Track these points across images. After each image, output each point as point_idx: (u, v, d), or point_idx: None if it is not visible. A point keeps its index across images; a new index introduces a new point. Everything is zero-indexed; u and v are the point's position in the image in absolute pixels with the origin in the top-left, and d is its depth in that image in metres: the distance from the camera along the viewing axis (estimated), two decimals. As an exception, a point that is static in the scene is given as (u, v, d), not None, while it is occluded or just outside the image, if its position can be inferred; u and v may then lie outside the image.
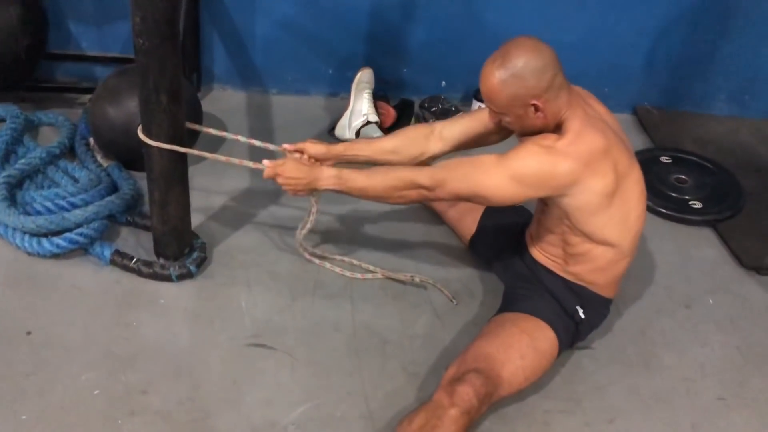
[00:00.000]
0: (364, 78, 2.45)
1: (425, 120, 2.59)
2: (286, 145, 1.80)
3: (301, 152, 1.78)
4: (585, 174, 1.54)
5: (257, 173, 1.74)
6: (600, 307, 1.79)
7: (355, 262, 1.97)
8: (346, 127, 2.44)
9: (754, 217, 2.40)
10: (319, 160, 1.79)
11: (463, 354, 1.62)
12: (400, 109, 2.60)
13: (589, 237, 1.65)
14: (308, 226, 1.85)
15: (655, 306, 2.01)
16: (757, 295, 2.12)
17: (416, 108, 2.66)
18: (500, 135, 1.80)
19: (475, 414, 1.52)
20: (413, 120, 2.58)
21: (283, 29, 2.53)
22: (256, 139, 1.85)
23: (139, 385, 1.59)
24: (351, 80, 2.55)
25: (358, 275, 1.94)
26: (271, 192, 2.13)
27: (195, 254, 1.86)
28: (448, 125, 1.84)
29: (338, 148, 1.82)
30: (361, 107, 2.42)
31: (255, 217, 2.10)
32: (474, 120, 1.81)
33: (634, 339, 1.90)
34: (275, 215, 2.10)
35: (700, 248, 2.28)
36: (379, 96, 2.54)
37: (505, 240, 1.95)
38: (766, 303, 2.10)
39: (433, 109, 2.62)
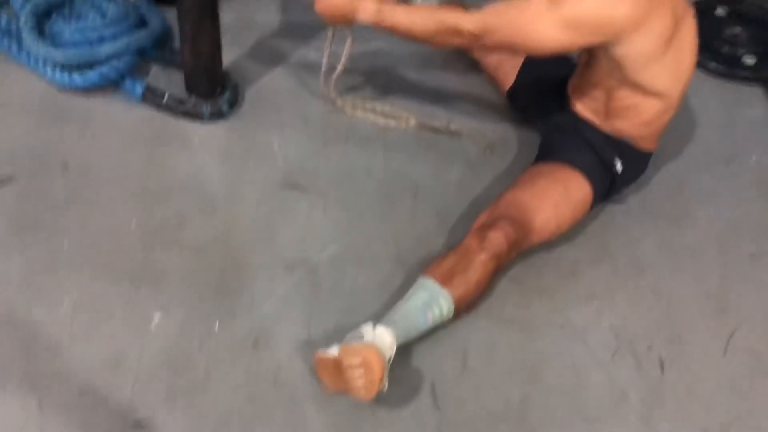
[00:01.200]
0: None
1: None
2: None
3: None
4: (645, 17, 1.44)
5: (289, 7, 1.66)
6: (639, 161, 1.75)
7: (388, 109, 1.92)
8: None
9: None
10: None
11: (495, 201, 1.61)
12: None
13: (640, 88, 1.57)
14: (340, 68, 1.79)
15: (694, 162, 1.96)
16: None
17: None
18: None
19: (504, 259, 1.53)
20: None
21: None
22: None
23: (174, 219, 1.62)
24: None
25: (392, 122, 1.90)
26: (305, 29, 2.05)
27: (227, 94, 1.83)
28: None
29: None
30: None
31: (288, 58, 2.04)
32: None
33: (670, 194, 1.87)
34: (309, 56, 2.03)
35: (749, 107, 2.18)
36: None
37: (545, 91, 1.87)
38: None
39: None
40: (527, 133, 1.94)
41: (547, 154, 1.73)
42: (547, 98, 1.86)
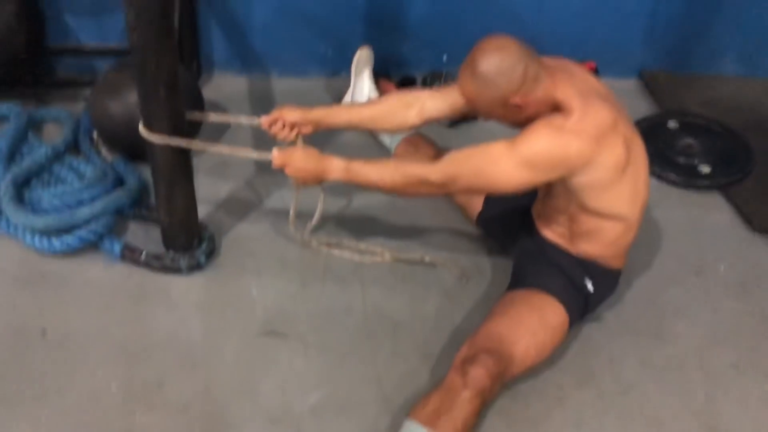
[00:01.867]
0: (363, 57, 2.43)
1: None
2: (263, 118, 1.79)
3: (276, 120, 1.77)
4: (598, 150, 1.52)
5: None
6: (610, 279, 1.79)
7: (363, 246, 1.97)
8: (349, 108, 2.42)
9: (763, 180, 2.37)
10: (296, 126, 1.78)
11: (474, 334, 1.63)
12: (402, 86, 2.57)
13: (599, 213, 1.64)
14: (314, 222, 1.86)
15: (664, 274, 2.00)
16: (766, 258, 2.11)
17: (419, 83, 2.64)
18: None
19: (489, 394, 1.53)
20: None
21: (281, 12, 2.51)
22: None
23: (155, 378, 1.62)
24: (351, 60, 2.54)
25: (367, 258, 1.94)
26: (276, 178, 2.13)
27: (204, 245, 1.87)
28: (435, 98, 1.81)
29: (316, 113, 1.81)
30: (362, 86, 2.40)
31: (261, 204, 2.11)
32: (460, 96, 1.72)
33: (645, 308, 1.90)
34: (281, 201, 2.10)
35: (710, 214, 2.26)
36: (380, 73, 2.52)
37: (512, 217, 1.94)
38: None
39: (435, 84, 2.59)
40: (500, 259, 1.99)
41: (519, 281, 1.77)
42: (515, 224, 1.92)
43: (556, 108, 1.56)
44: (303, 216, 1.91)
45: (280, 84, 2.64)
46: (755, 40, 2.87)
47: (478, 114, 1.68)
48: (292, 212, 1.85)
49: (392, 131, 1.88)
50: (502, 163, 1.55)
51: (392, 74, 2.64)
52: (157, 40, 1.47)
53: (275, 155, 1.69)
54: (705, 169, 2.37)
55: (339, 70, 2.67)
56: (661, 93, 2.79)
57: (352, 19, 2.56)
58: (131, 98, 1.97)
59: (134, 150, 2.07)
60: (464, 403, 1.48)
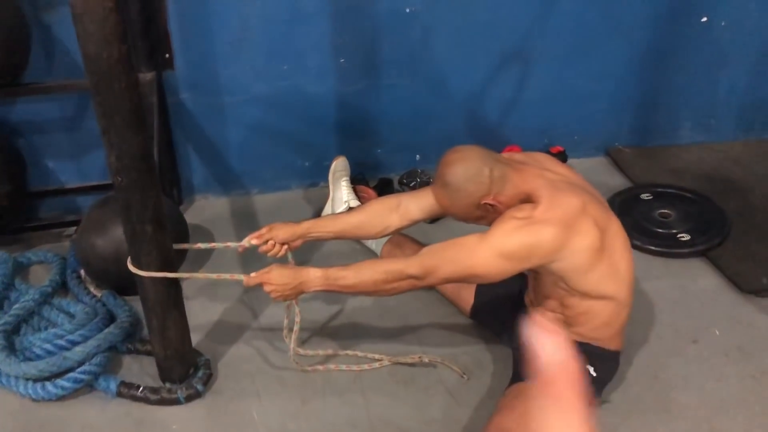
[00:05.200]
0: (338, 167, 2.50)
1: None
2: (253, 240, 1.82)
3: (267, 239, 1.80)
4: (569, 235, 1.57)
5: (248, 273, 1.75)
6: (609, 362, 1.79)
7: (360, 354, 1.97)
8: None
9: (742, 240, 2.43)
10: (287, 243, 1.82)
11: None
12: (380, 188, 2.64)
13: (587, 295, 1.67)
14: (295, 332, 1.84)
15: (663, 347, 2.01)
16: (761, 319, 2.13)
17: (395, 185, 2.70)
18: None
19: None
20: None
21: (255, 131, 2.59)
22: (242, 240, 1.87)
23: None
24: (328, 169, 2.61)
25: (365, 366, 1.93)
26: (265, 296, 2.13)
27: (200, 372, 1.85)
28: (415, 199, 1.86)
29: (303, 227, 1.84)
30: (341, 195, 2.46)
31: (253, 324, 2.10)
32: None
33: (649, 384, 1.89)
34: (273, 319, 2.09)
35: (696, 280, 2.30)
36: (357, 179, 2.59)
37: (505, 307, 1.96)
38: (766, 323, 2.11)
39: (412, 183, 2.66)
40: (499, 350, 1.99)
41: (521, 373, 1.76)
42: (508, 312, 1.94)
43: (526, 200, 1.63)
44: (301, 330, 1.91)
45: (260, 201, 2.69)
46: (706, 108, 3.02)
47: (456, 219, 1.73)
48: (295, 333, 1.86)
49: (378, 236, 1.91)
50: (479, 253, 1.59)
51: (369, 178, 2.72)
52: (140, 180, 1.51)
53: (250, 279, 1.70)
54: (684, 236, 2.42)
55: (317, 181, 2.75)
56: (630, 167, 2.89)
57: (326, 131, 2.65)
58: (117, 233, 2.01)
59: (123, 284, 2.09)
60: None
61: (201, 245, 1.84)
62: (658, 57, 2.80)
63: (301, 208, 2.65)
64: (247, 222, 2.56)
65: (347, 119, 2.64)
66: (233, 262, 2.28)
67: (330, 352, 1.97)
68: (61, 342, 1.86)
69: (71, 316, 2.01)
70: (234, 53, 2.43)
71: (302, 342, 1.98)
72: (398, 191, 2.67)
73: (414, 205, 1.86)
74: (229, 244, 1.85)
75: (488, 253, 1.59)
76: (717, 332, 2.08)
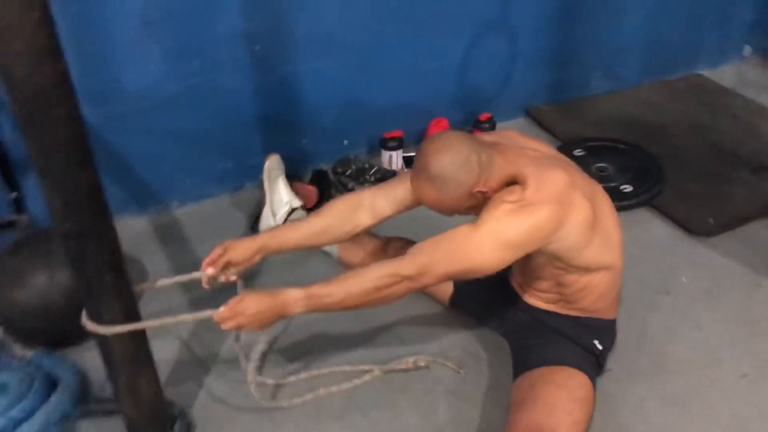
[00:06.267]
0: (273, 165, 2.29)
1: (344, 186, 2.47)
2: (208, 270, 1.58)
3: (223, 263, 1.58)
4: (564, 213, 1.48)
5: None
6: (610, 331, 1.76)
7: (348, 368, 1.81)
8: (269, 220, 2.26)
9: (678, 183, 2.48)
10: (245, 262, 1.61)
11: (511, 430, 1.52)
12: (317, 182, 2.45)
13: (585, 270, 1.60)
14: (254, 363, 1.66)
15: (639, 303, 2.00)
16: (718, 260, 2.19)
17: (330, 175, 2.53)
18: None
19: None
20: (333, 191, 2.45)
21: (168, 138, 2.31)
22: (177, 263, 1.61)
23: None
24: (253, 169, 2.39)
25: (357, 381, 1.77)
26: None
27: (177, 425, 1.62)
28: (381, 195, 1.70)
29: (261, 241, 1.63)
30: (280, 196, 2.25)
31: (219, 355, 1.88)
32: (408, 188, 1.64)
33: (639, 345, 1.88)
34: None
35: (649, 230, 2.33)
36: (290, 175, 2.38)
37: (488, 291, 1.86)
38: (728, 264, 2.17)
39: (348, 172, 2.50)
40: (488, 336, 1.91)
41: (528, 358, 1.68)
42: (494, 297, 1.85)
43: (511, 182, 1.52)
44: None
45: (184, 214, 2.42)
46: (613, 56, 3.07)
47: (442, 214, 1.59)
48: (248, 369, 1.66)
49: (346, 239, 1.73)
50: (475, 245, 1.46)
51: (300, 172, 2.52)
52: (94, 223, 1.25)
53: (222, 314, 1.46)
54: (627, 188, 2.44)
55: (242, 183, 2.52)
56: (552, 124, 2.88)
57: (246, 127, 2.41)
58: (37, 281, 1.75)
59: (54, 338, 1.80)
60: None
61: (162, 282, 1.58)
62: (563, 11, 2.79)
63: (230, 216, 2.41)
64: (174, 240, 2.29)
65: (268, 111, 2.42)
66: (190, 293, 2.01)
67: (315, 373, 1.80)
68: (2, 422, 1.56)
69: (4, 389, 1.69)
70: (134, 54, 2.12)
71: (281, 367, 1.78)
72: (334, 182, 2.49)
73: (382, 199, 1.70)
74: (193, 274, 1.60)
75: (485, 243, 1.46)
76: (684, 279, 2.11)
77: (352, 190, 2.45)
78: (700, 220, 2.32)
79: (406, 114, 2.68)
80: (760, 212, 2.38)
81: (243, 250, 1.60)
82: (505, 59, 2.79)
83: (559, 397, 1.55)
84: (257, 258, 1.63)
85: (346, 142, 2.64)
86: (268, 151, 2.38)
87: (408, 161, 2.64)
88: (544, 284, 1.69)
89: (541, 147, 1.66)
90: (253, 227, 2.30)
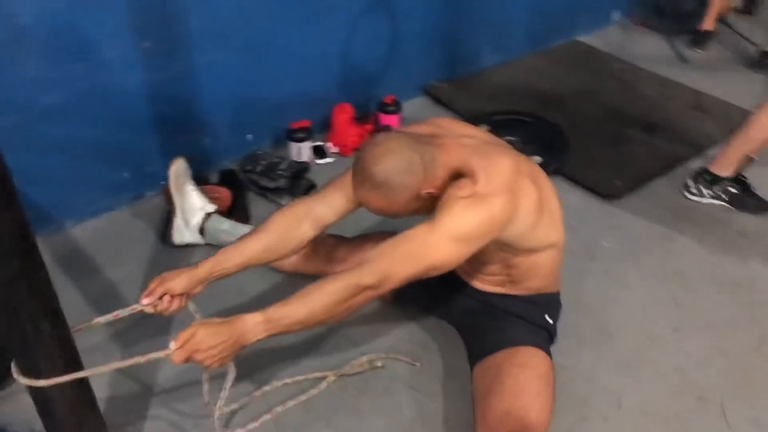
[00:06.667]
0: (179, 171, 2.11)
1: (256, 184, 2.33)
2: (144, 302, 1.45)
3: (164, 295, 1.46)
4: (515, 201, 1.46)
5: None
6: (557, 304, 1.79)
7: (300, 377, 1.71)
8: (183, 230, 2.09)
9: (581, 150, 2.57)
10: (187, 293, 1.50)
11: (482, 421, 1.50)
12: (227, 182, 2.30)
13: (533, 251, 1.61)
14: (225, 394, 1.52)
15: (570, 273, 2.01)
16: (629, 219, 2.30)
17: (239, 173, 2.38)
18: None
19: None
20: (245, 191, 2.32)
21: (55, 151, 2.06)
22: (88, 291, 1.45)
23: None
24: (152, 176, 2.22)
25: (313, 391, 1.69)
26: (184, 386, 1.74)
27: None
28: (320, 203, 1.62)
29: (203, 270, 1.51)
30: (192, 203, 2.09)
31: (161, 386, 1.71)
32: (347, 192, 1.57)
33: (578, 314, 1.93)
34: (182, 375, 1.73)
35: (563, 198, 2.34)
36: (198, 179, 2.21)
37: (430, 282, 1.81)
38: (641, 222, 2.28)
39: (258, 168, 2.36)
40: (435, 324, 1.88)
41: (486, 344, 1.66)
42: (437, 286, 1.81)
43: (457, 176, 1.48)
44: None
45: (81, 233, 2.18)
46: (500, 29, 3.12)
47: (391, 218, 1.53)
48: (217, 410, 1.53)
49: (293, 254, 1.63)
50: (434, 244, 1.42)
51: (206, 174, 2.36)
52: (25, 267, 1.08)
53: (175, 351, 1.30)
54: (537, 159, 2.48)
55: (142, 192, 2.31)
56: (451, 101, 2.89)
57: (142, 131, 2.21)
58: None
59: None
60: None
61: (99, 319, 1.41)
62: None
63: (134, 229, 2.20)
64: (76, 264, 2.05)
65: (165, 112, 2.22)
66: (129, 327, 1.81)
67: (268, 388, 1.69)
68: None
69: None
70: (6, 61, 1.87)
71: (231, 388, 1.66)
72: (244, 182, 2.35)
73: (324, 207, 1.61)
74: (134, 307, 1.44)
75: (443, 241, 1.41)
76: (605, 243, 2.19)
77: (265, 187, 2.33)
78: (608, 184, 2.41)
79: (309, 102, 2.58)
80: (658, 170, 2.52)
81: (183, 280, 1.47)
82: (401, 39, 2.75)
83: (525, 379, 1.55)
84: (199, 288, 1.51)
85: (250, 137, 2.50)
86: (167, 156, 2.20)
87: (317, 151, 2.55)
88: (492, 268, 1.68)
89: (476, 132, 1.63)
90: (165, 239, 2.12)
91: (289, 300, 1.38)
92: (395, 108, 2.67)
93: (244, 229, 2.05)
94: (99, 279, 1.99)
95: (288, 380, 1.71)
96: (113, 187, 2.25)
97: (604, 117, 2.80)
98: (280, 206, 2.22)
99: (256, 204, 2.31)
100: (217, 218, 2.10)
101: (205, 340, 1.31)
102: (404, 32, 2.74)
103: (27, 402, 1.29)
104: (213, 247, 2.07)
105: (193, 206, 2.09)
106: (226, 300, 1.87)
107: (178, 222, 2.10)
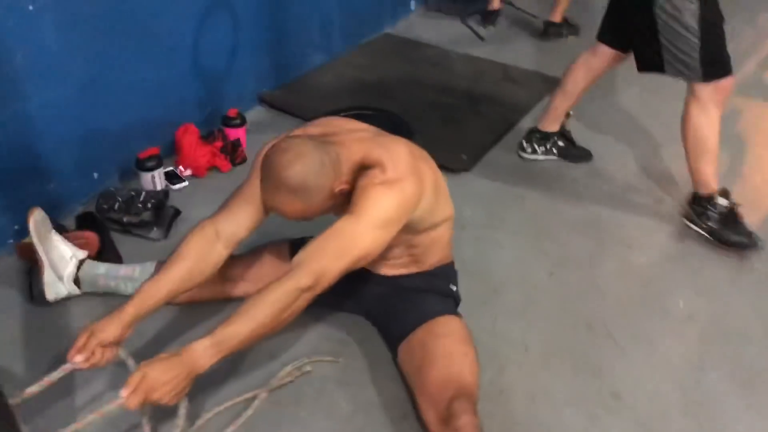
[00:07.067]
0: (39, 221, 1.93)
1: (119, 223, 2.21)
2: (77, 359, 1.40)
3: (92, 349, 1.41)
4: (420, 183, 1.56)
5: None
6: (455, 272, 1.92)
7: (229, 403, 1.68)
8: (56, 284, 1.93)
9: (425, 132, 2.73)
10: (117, 342, 1.46)
11: (423, 394, 1.59)
12: (88, 226, 2.16)
13: (433, 227, 1.72)
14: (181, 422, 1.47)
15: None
16: (482, 186, 2.53)
17: (96, 212, 2.24)
18: None
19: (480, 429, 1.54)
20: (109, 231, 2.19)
21: None
22: None
23: None
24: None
25: (249, 412, 1.67)
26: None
27: None
28: (230, 219, 1.61)
29: (129, 313, 1.48)
30: (60, 252, 1.94)
31: None
32: (256, 203, 1.60)
33: (465, 277, 1.97)
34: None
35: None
36: (57, 228, 2.05)
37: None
38: (493, 188, 2.51)
39: (116, 206, 2.24)
40: (347, 318, 1.94)
41: (405, 324, 1.74)
42: (341, 283, 1.87)
43: (360, 169, 1.55)
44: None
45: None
46: (320, 30, 3.21)
47: (303, 220, 1.56)
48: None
49: (211, 276, 1.60)
50: (360, 235, 1.49)
51: (59, 222, 2.19)
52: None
53: (127, 396, 1.28)
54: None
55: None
56: (289, 106, 2.94)
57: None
58: None
59: None
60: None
61: (31, 389, 1.29)
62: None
63: (3, 296, 2.00)
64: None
65: (1, 162, 2.03)
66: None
67: (200, 422, 1.63)
68: None
69: None
70: None
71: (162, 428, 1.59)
72: (106, 222, 2.22)
73: (232, 226, 1.61)
74: (65, 367, 1.34)
75: (368, 229, 1.49)
76: (468, 212, 2.38)
77: (129, 223, 2.22)
78: (456, 159, 2.61)
79: (151, 129, 2.49)
80: (493, 138, 2.78)
81: (112, 327, 1.43)
82: (231, 53, 2.75)
83: (451, 345, 1.66)
84: (129, 332, 1.45)
85: (96, 175, 2.36)
86: (11, 210, 2.03)
87: (170, 177, 2.47)
88: (395, 252, 1.77)
89: (363, 126, 1.71)
90: (35, 299, 1.94)
91: (233, 318, 1.38)
92: (240, 120, 2.65)
93: (121, 269, 1.96)
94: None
95: (219, 408, 1.67)
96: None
97: (432, 100, 3.01)
98: (149, 240, 2.20)
99: (122, 242, 2.19)
100: (90, 263, 1.97)
101: (158, 377, 1.29)
102: (234, 45, 2.74)
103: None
104: (93, 295, 1.95)
105: (63, 256, 1.94)
106: (129, 345, 1.77)
107: (48, 276, 1.93)
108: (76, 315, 1.92)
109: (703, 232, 2.27)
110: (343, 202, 1.54)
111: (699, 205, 2.29)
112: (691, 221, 2.32)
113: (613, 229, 2.35)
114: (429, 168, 1.62)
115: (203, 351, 1.35)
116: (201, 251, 1.57)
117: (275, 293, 1.41)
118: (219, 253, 1.59)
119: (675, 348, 1.90)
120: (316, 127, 1.67)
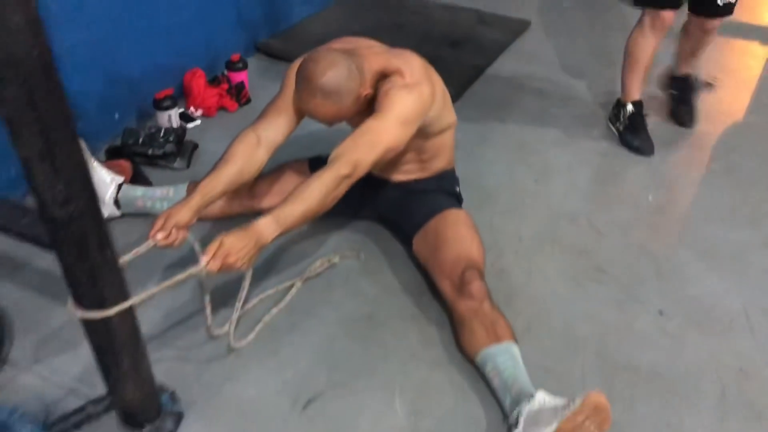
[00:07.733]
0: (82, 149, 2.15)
1: (144, 155, 2.42)
2: (159, 236, 1.63)
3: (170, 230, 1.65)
4: (433, 87, 1.81)
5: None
6: (456, 177, 2.17)
7: (271, 291, 1.93)
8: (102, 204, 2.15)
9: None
10: (187, 225, 1.69)
11: (440, 272, 1.85)
12: (120, 154, 2.38)
13: (440, 132, 1.96)
14: (244, 293, 1.71)
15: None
16: (468, 114, 2.78)
17: (124, 149, 2.45)
18: None
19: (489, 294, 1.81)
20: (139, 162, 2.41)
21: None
22: None
23: None
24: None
25: (287, 298, 1.92)
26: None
27: (164, 398, 1.61)
28: (268, 125, 1.83)
29: (196, 200, 1.70)
30: (101, 177, 2.15)
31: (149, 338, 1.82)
32: (289, 111, 1.83)
33: (463, 185, 2.29)
34: (164, 326, 1.86)
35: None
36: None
37: (353, 191, 2.03)
38: (477, 115, 2.78)
39: (140, 140, 2.45)
40: (362, 223, 2.20)
41: (418, 218, 2.00)
42: (356, 192, 2.06)
43: (383, 76, 1.79)
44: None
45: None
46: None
47: (332, 124, 1.80)
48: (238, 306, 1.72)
49: (254, 177, 1.83)
50: (388, 130, 1.74)
51: (95, 154, 2.39)
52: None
53: (207, 260, 1.52)
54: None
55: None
56: (285, 53, 3.14)
57: None
58: None
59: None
60: (490, 309, 1.74)
61: (126, 258, 1.51)
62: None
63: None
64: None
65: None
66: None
67: (249, 305, 1.89)
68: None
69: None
70: None
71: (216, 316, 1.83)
72: (132, 155, 2.43)
73: (271, 131, 1.83)
74: (148, 243, 1.58)
75: (393, 125, 1.73)
76: (459, 136, 2.62)
77: (154, 155, 2.43)
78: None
79: (163, 73, 2.69)
80: (473, 75, 3.04)
81: (187, 212, 1.65)
82: (230, 2, 2.94)
83: (460, 230, 1.93)
84: (195, 218, 1.69)
85: (117, 115, 2.56)
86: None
87: (183, 117, 2.68)
88: (407, 157, 2.02)
89: (375, 43, 1.94)
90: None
91: (288, 200, 1.63)
92: (242, 64, 2.87)
93: (157, 191, 2.18)
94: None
95: (262, 295, 1.92)
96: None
97: (417, 44, 3.19)
98: (173, 170, 2.41)
99: (148, 173, 2.40)
100: (128, 187, 2.19)
101: (233, 244, 1.53)
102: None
103: (24, 383, 1.49)
104: (132, 216, 2.17)
105: (104, 180, 2.16)
106: (170, 257, 1.97)
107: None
108: (117, 234, 2.12)
109: (615, 132, 2.70)
110: (366, 109, 1.79)
111: (615, 107, 2.72)
112: (610, 121, 2.75)
113: (586, 142, 2.65)
114: (437, 77, 1.88)
115: (266, 225, 1.59)
116: (246, 154, 1.79)
117: (322, 180, 1.66)
118: (261, 155, 1.82)
119: (646, 233, 2.21)
120: (338, 44, 1.90)
